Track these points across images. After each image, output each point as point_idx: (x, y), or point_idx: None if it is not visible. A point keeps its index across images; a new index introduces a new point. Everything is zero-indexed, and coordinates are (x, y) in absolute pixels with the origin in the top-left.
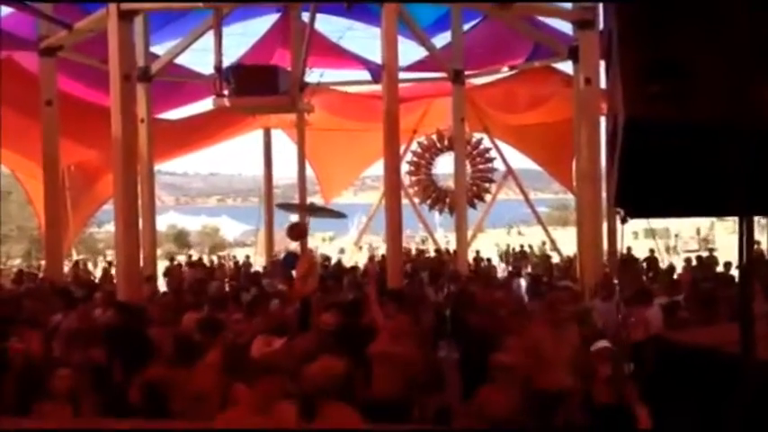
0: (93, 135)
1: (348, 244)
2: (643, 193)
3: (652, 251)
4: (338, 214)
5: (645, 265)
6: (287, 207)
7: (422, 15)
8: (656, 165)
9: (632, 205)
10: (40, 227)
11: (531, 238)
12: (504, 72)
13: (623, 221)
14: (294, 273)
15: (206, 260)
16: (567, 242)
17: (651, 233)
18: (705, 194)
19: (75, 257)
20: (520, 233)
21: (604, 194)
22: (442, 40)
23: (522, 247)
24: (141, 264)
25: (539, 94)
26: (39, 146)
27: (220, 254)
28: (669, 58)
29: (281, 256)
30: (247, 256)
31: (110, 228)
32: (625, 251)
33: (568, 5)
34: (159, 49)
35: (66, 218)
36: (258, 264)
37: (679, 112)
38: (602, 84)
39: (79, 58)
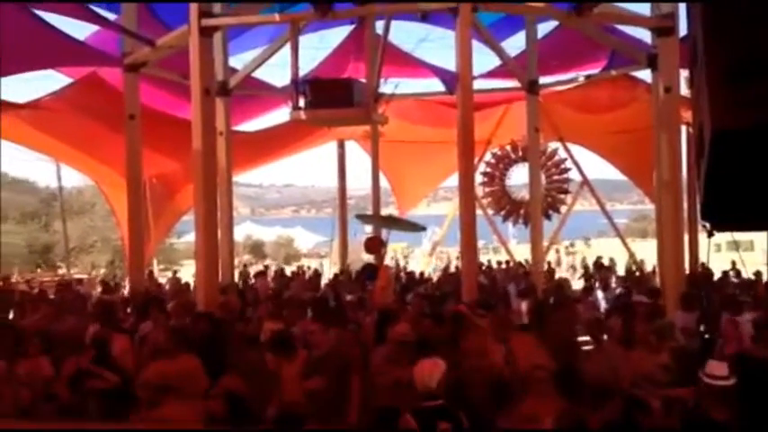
0: (173, 147)
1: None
2: (730, 205)
3: (734, 263)
4: (418, 227)
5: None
6: (366, 218)
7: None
8: (743, 176)
9: (718, 218)
10: (123, 238)
11: (604, 250)
12: (580, 81)
13: (709, 235)
14: (374, 284)
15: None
16: (645, 254)
17: (735, 245)
18: None
19: (155, 267)
20: (572, 246)
21: (685, 205)
22: (513, 43)
23: (600, 259)
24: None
25: (618, 98)
26: (121, 156)
27: (298, 264)
28: (759, 60)
29: (360, 267)
30: (315, 269)
31: (189, 238)
32: (703, 265)
33: (647, 13)
34: (234, 60)
35: (148, 229)
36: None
37: None
38: (682, 91)
39: (161, 74)
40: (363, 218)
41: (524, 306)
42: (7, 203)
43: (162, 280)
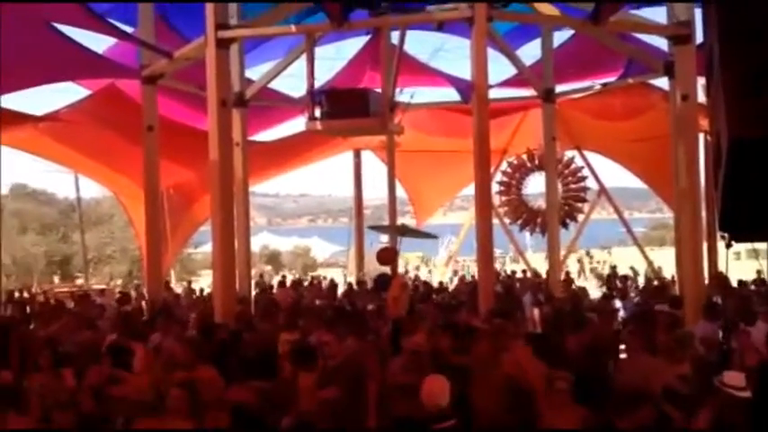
0: (190, 157)
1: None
2: (748, 215)
3: (759, 272)
4: (429, 235)
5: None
6: (378, 229)
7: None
8: (761, 185)
9: (738, 228)
10: (141, 248)
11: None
12: (597, 89)
13: (728, 246)
14: (387, 294)
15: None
16: (664, 263)
17: (754, 254)
18: None
19: (173, 278)
20: (587, 254)
21: (704, 213)
22: (529, 52)
23: (614, 268)
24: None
25: (635, 106)
26: (139, 167)
27: (313, 275)
28: None
29: (374, 277)
30: (332, 279)
31: (206, 249)
32: (719, 274)
33: (663, 21)
34: (251, 72)
35: (166, 239)
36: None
37: None
38: (700, 99)
39: (178, 85)
40: (375, 228)
41: (537, 313)
42: (27, 215)
43: (179, 290)
